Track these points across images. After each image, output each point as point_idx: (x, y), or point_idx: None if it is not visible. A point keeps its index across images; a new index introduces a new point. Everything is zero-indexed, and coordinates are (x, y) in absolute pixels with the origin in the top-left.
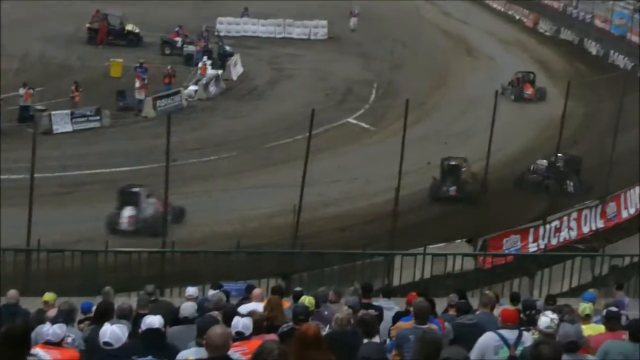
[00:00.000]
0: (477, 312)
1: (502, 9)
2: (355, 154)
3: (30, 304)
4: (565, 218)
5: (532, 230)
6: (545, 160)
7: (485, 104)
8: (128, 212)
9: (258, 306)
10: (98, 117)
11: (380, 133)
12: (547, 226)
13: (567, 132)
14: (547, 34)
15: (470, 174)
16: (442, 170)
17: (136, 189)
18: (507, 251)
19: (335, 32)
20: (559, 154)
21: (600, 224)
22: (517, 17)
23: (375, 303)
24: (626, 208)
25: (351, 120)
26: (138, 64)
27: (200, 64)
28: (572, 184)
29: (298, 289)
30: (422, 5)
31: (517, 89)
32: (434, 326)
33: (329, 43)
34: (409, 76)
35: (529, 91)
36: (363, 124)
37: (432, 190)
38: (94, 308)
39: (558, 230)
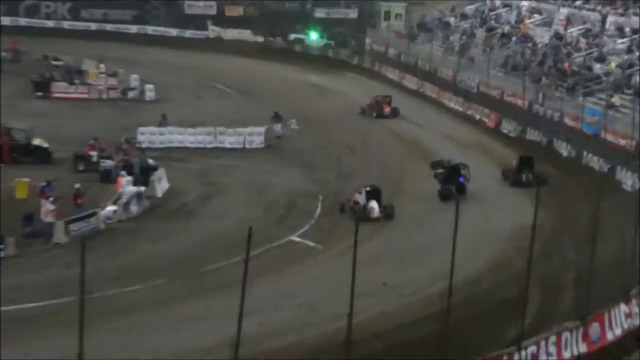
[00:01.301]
0: None
1: (460, 109)
2: (300, 276)
3: None
4: (542, 343)
5: (505, 358)
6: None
7: (445, 215)
8: None
9: None
10: (1, 247)
11: (328, 252)
12: (523, 352)
13: (538, 244)
14: (511, 134)
15: None
16: None
17: None
18: None
19: (273, 140)
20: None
21: (583, 348)
22: (478, 117)
23: None
24: (611, 329)
25: (294, 238)
26: (45, 183)
27: (120, 181)
28: (531, 175)
29: None
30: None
31: (377, 109)
32: None
33: (266, 152)
34: (359, 185)
35: (387, 110)
36: (308, 242)
37: None
38: None
39: (535, 356)
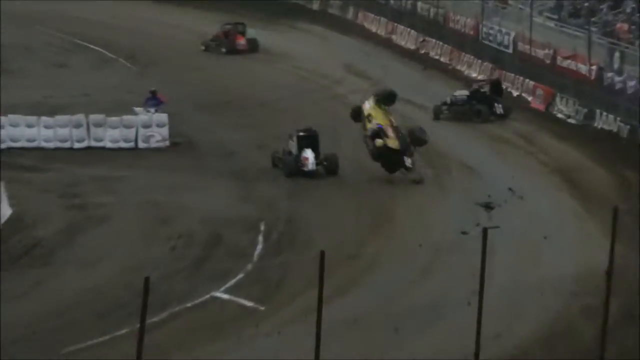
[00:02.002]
0: None
1: None
2: (230, 354)
3: None
4: None
5: None
6: (465, 90)
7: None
8: None
9: None
10: None
11: (275, 316)
12: None
13: (616, 300)
14: (570, 120)
15: None
16: None
17: None
18: None
19: (187, 134)
20: (480, 80)
21: None
22: (515, 93)
23: None
24: None
25: (220, 294)
26: None
27: None
28: (500, 106)
29: None
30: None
31: (227, 42)
32: None
33: (173, 154)
34: (325, 206)
35: (242, 42)
36: (242, 301)
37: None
38: None
39: None
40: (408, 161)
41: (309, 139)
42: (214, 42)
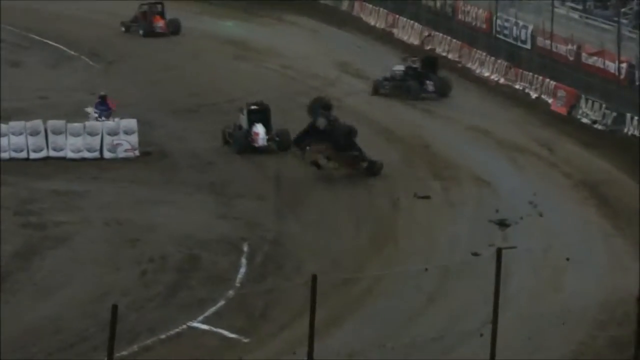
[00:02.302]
0: None
1: (502, 80)
2: None
3: None
4: None
5: None
6: (401, 65)
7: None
8: None
9: None
10: None
11: (260, 349)
12: None
13: None
14: (597, 126)
15: None
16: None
17: None
18: None
19: (157, 142)
20: (414, 57)
21: None
22: (534, 94)
23: None
24: None
25: (198, 324)
26: None
27: None
28: (432, 83)
29: None
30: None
31: (145, 24)
32: None
33: (143, 165)
34: (317, 223)
35: (160, 24)
36: (223, 332)
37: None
38: None
39: None
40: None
41: (260, 113)
42: (134, 23)
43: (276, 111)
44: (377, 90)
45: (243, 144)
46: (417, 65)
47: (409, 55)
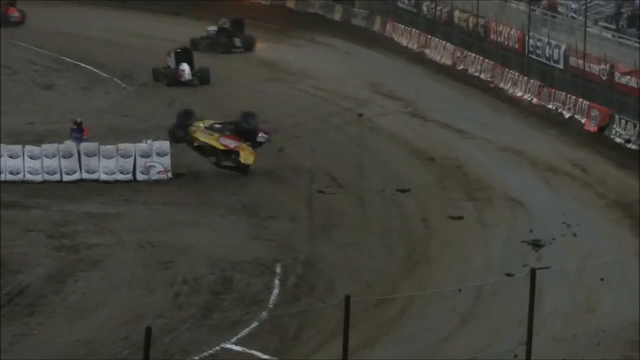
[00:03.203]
0: None
1: (534, 100)
2: None
3: None
4: None
5: None
6: (214, 27)
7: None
8: None
9: None
10: None
11: None
12: None
13: None
14: (631, 145)
15: None
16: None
17: None
18: None
19: (189, 164)
20: (224, 19)
21: None
22: (567, 114)
23: None
24: None
25: (231, 346)
26: None
27: None
28: (239, 40)
29: None
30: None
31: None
32: None
33: (176, 187)
34: (350, 245)
35: (15, 14)
36: (256, 353)
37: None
38: None
39: None
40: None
41: (185, 54)
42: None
43: (309, 133)
44: (195, 46)
45: (172, 79)
46: (227, 25)
47: (221, 18)
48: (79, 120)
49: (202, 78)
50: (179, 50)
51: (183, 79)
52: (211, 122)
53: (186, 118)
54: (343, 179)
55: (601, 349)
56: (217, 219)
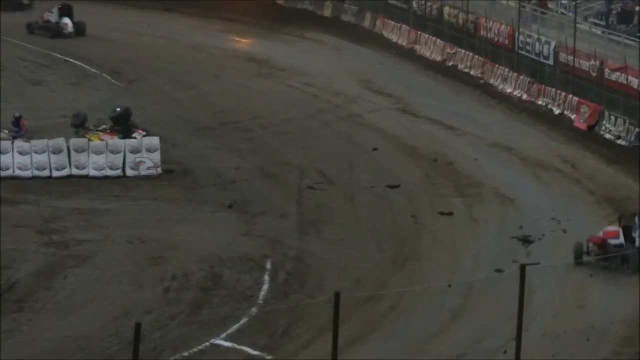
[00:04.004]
0: None
1: (524, 96)
2: None
3: None
4: None
5: None
6: (50, 12)
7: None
8: None
9: None
10: None
11: None
12: None
13: None
14: (620, 142)
15: None
16: None
17: None
18: None
19: (179, 160)
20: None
21: None
22: (557, 110)
23: None
24: None
25: (221, 342)
26: None
27: None
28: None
29: None
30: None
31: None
32: None
33: (165, 182)
34: (340, 241)
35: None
36: (246, 349)
37: None
38: None
39: None
40: None
41: (66, 9)
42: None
43: (299, 129)
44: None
45: (55, 32)
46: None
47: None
48: (17, 114)
49: (79, 30)
50: (59, 6)
51: (66, 32)
52: (104, 126)
53: (79, 121)
54: (333, 175)
55: (591, 345)
56: (207, 215)
